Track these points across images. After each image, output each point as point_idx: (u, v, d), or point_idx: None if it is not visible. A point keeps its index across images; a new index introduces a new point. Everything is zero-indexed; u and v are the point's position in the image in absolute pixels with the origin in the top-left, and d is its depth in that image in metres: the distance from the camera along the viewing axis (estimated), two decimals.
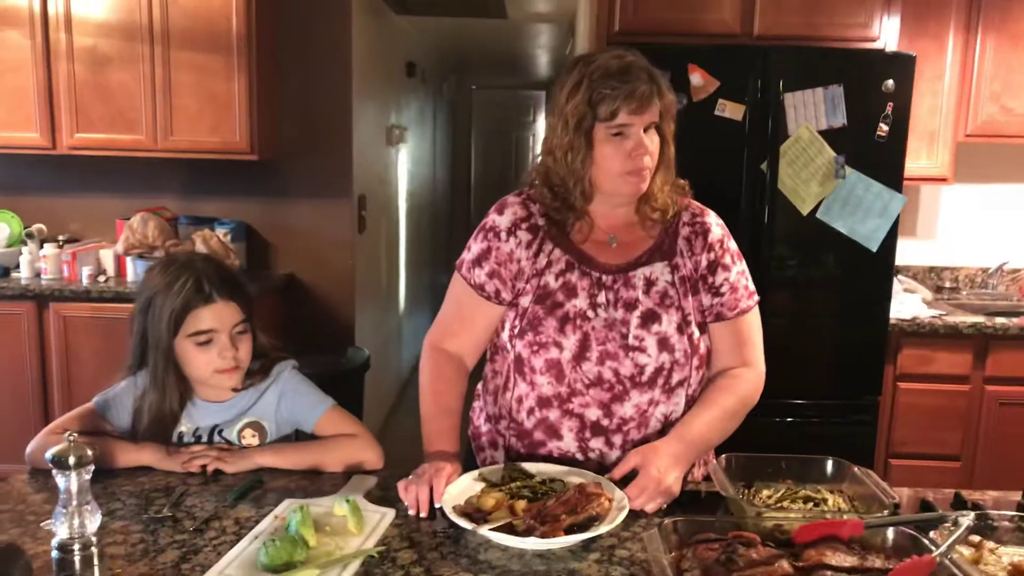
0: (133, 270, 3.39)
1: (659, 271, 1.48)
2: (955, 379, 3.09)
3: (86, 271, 3.35)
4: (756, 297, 1.54)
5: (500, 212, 1.53)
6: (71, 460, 1.13)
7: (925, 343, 3.07)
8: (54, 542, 1.15)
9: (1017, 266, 3.66)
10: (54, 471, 1.13)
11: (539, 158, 1.53)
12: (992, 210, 3.67)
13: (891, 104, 2.79)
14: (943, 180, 3.30)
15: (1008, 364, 3.07)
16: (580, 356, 1.45)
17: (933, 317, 3.08)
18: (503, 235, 1.51)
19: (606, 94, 1.39)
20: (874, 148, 2.82)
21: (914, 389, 3.09)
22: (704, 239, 1.51)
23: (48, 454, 1.14)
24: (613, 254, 1.50)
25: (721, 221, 1.56)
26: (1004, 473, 3.06)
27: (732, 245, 1.54)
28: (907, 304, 3.18)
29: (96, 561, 1.15)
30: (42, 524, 1.28)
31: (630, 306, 1.46)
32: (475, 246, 1.53)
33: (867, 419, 2.98)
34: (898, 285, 3.35)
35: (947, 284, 3.70)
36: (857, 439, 2.95)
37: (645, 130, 1.43)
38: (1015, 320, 3.08)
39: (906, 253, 3.66)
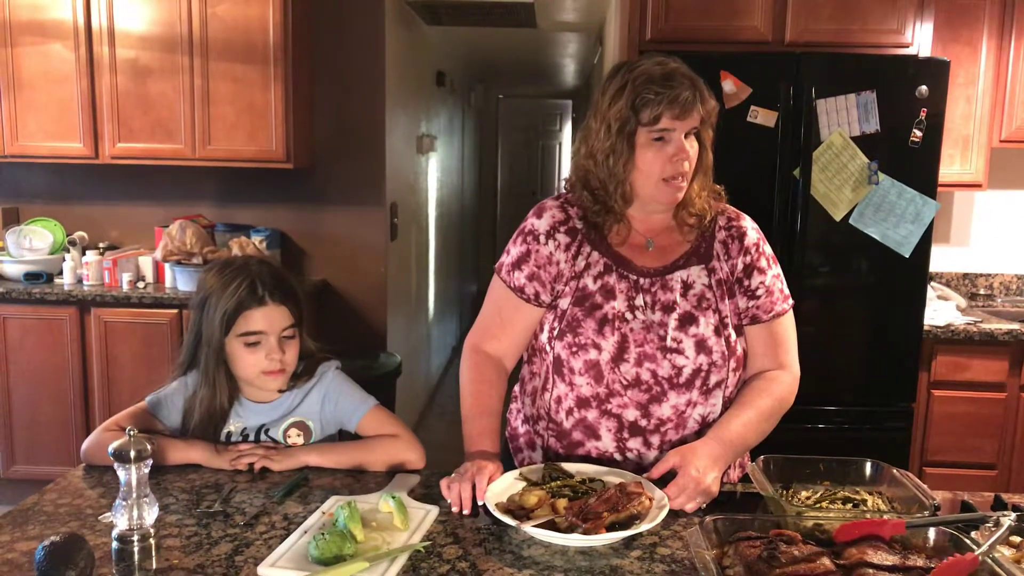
0: (171, 276, 3.47)
1: (696, 274, 1.51)
2: (991, 387, 3.07)
3: (126, 277, 3.43)
4: (791, 301, 1.56)
5: (539, 216, 1.56)
6: (132, 454, 1.17)
7: (960, 350, 3.05)
8: (114, 533, 1.19)
9: None
10: (115, 464, 1.18)
11: (575, 160, 1.56)
12: None
13: (925, 110, 2.79)
14: (977, 186, 3.28)
15: None
16: (618, 357, 1.48)
17: (968, 324, 3.06)
18: (542, 238, 1.54)
19: (649, 99, 1.42)
20: (908, 154, 2.81)
21: (949, 397, 3.07)
22: (740, 243, 1.53)
23: (110, 448, 1.18)
24: (650, 257, 1.52)
25: (756, 225, 1.59)
26: None
27: (767, 249, 1.56)
28: (941, 311, 3.16)
29: (154, 552, 1.20)
30: (100, 517, 1.33)
31: (668, 308, 1.48)
32: (514, 249, 1.57)
33: (901, 426, 2.96)
34: (931, 292, 3.33)
35: (981, 291, 3.67)
36: (891, 446, 2.93)
37: (685, 136, 1.45)
38: None
39: (940, 260, 3.64)
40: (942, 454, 3.10)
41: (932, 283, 3.47)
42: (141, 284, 3.49)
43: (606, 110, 1.46)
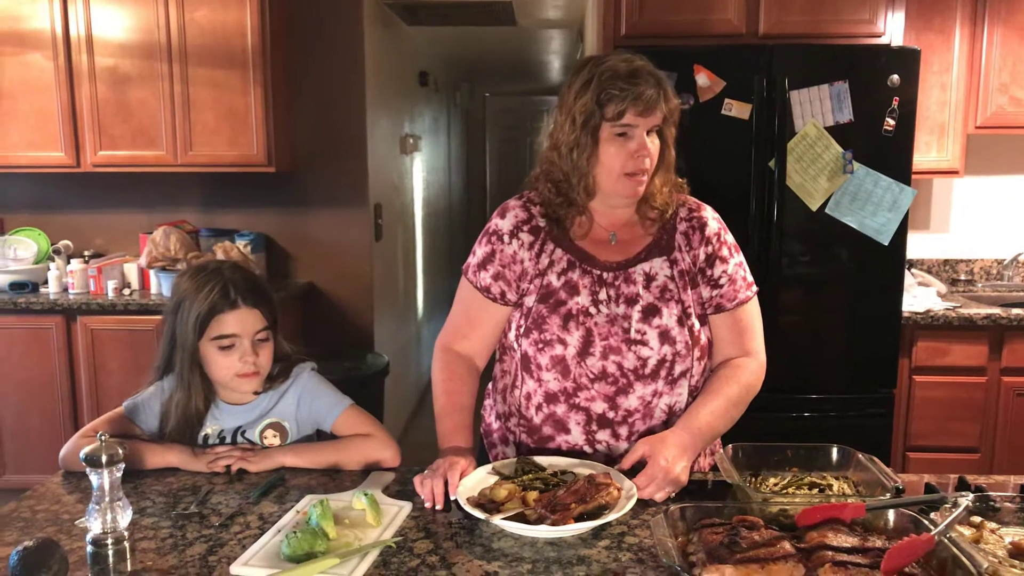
0: (157, 283, 3.48)
1: (658, 266, 1.53)
2: (971, 371, 3.09)
3: (111, 285, 3.44)
4: (755, 288, 1.58)
5: (502, 216, 1.59)
6: (103, 458, 1.19)
7: (940, 336, 3.08)
8: (88, 537, 1.21)
9: None
10: (87, 469, 1.19)
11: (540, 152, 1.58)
12: (1005, 201, 3.67)
13: (897, 98, 2.81)
14: (954, 173, 3.31)
15: None
16: (584, 352, 1.50)
17: (947, 309, 3.09)
18: (506, 238, 1.56)
19: (614, 94, 1.44)
20: (881, 142, 2.84)
21: (930, 382, 3.10)
22: (701, 233, 1.55)
23: (81, 453, 1.20)
24: (613, 251, 1.54)
25: (717, 215, 1.61)
26: (1023, 463, 3.06)
27: (729, 238, 1.58)
28: (921, 297, 3.19)
29: (128, 555, 1.21)
30: (76, 522, 1.35)
31: (631, 301, 1.50)
32: (480, 250, 1.59)
33: (883, 412, 2.99)
34: (912, 279, 3.35)
35: (962, 276, 3.70)
36: (873, 432, 2.96)
37: (648, 133, 1.47)
38: None
39: (920, 246, 3.68)
40: (925, 439, 3.12)
41: (913, 270, 3.50)
42: (127, 291, 3.50)
43: (571, 103, 1.48)
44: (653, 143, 1.48)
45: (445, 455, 1.47)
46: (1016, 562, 1.14)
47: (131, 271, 3.58)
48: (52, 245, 3.71)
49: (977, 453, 3.13)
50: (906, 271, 3.03)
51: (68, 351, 3.37)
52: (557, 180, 1.52)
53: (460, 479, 1.40)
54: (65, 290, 3.50)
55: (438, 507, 1.38)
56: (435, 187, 6.23)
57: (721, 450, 1.50)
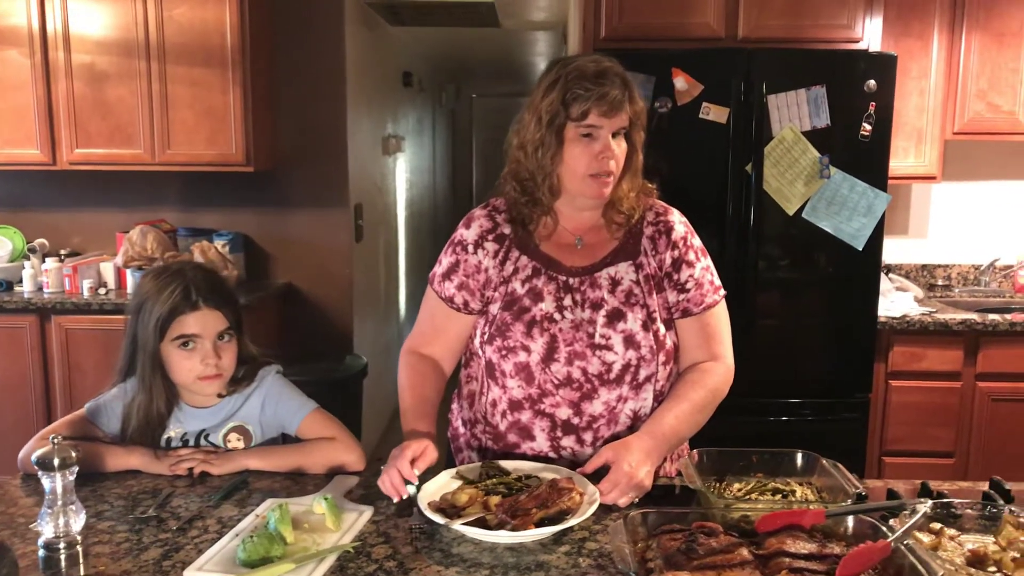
0: (133, 282, 3.44)
1: (624, 270, 1.52)
2: (947, 376, 3.11)
3: (87, 284, 3.41)
4: (722, 292, 1.58)
5: (467, 226, 1.59)
6: (55, 462, 1.17)
7: (916, 341, 3.09)
8: (40, 541, 1.19)
9: (1009, 262, 3.67)
10: (39, 473, 1.18)
11: (507, 152, 1.57)
12: (983, 207, 3.69)
13: (873, 104, 2.82)
14: (932, 178, 3.32)
15: (999, 360, 3.08)
16: (548, 358, 1.49)
17: (923, 315, 3.10)
18: (470, 248, 1.56)
19: (579, 94, 1.44)
20: (858, 148, 2.85)
21: (906, 387, 3.11)
22: (668, 237, 1.55)
23: (33, 457, 1.19)
24: (579, 256, 1.54)
25: (685, 219, 1.60)
26: (997, 469, 3.00)
27: (696, 242, 1.58)
28: (898, 302, 3.20)
29: (81, 559, 1.20)
30: (31, 525, 1.33)
31: (596, 306, 1.50)
32: (445, 260, 1.60)
33: (858, 417, 3.00)
34: (890, 284, 3.37)
35: (940, 282, 3.71)
36: (849, 437, 2.97)
37: (614, 135, 1.47)
38: (1008, 316, 3.10)
39: (898, 252, 3.69)
40: (900, 444, 3.13)
41: (891, 275, 3.51)
42: (102, 291, 3.46)
43: (538, 103, 1.48)
44: (619, 146, 1.48)
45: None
46: (973, 570, 1.14)
47: (107, 270, 3.54)
48: (27, 243, 3.67)
49: (952, 458, 3.14)
50: (883, 276, 3.04)
51: (42, 350, 3.34)
52: (523, 179, 1.52)
53: (413, 463, 1.37)
54: (40, 289, 3.47)
55: (404, 496, 1.35)
56: (419, 188, 6.22)
57: (687, 455, 1.50)
